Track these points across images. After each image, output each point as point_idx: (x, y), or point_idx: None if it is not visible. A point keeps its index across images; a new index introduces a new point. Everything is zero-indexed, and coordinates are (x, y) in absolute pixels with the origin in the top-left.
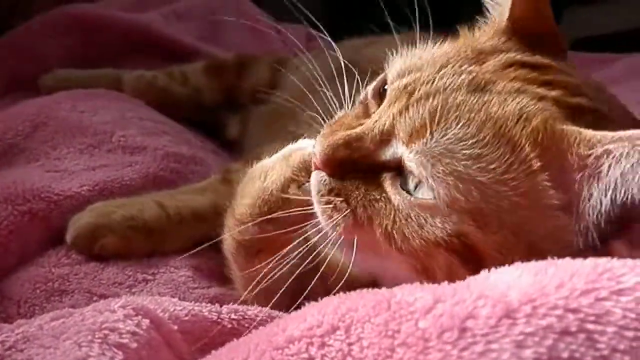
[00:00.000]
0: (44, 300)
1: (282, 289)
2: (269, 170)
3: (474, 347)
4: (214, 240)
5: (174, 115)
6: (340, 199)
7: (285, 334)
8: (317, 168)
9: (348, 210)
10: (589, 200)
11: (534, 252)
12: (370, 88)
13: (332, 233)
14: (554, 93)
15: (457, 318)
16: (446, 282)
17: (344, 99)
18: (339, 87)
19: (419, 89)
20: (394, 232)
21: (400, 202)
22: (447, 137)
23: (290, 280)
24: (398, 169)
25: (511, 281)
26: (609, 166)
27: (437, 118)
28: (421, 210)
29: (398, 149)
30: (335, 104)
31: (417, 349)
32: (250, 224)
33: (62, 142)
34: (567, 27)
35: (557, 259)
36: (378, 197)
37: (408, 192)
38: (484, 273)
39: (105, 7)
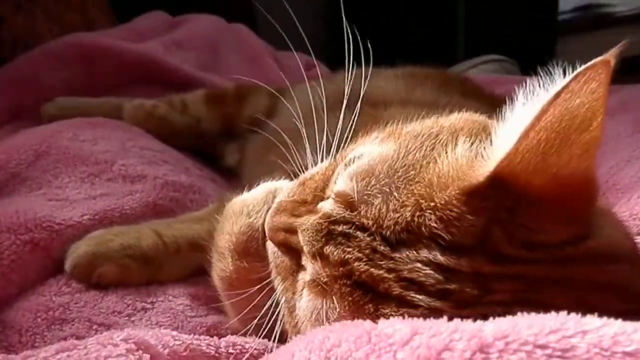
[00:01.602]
0: (45, 329)
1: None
2: (251, 206)
3: None
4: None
5: (174, 144)
6: (276, 270)
7: None
8: None
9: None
10: None
11: None
12: (335, 167)
13: None
14: (438, 304)
15: (433, 350)
16: None
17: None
18: (337, 117)
19: (332, 242)
20: (289, 319)
21: (295, 306)
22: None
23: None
24: None
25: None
26: None
27: (323, 297)
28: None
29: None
30: (335, 133)
31: None
32: (231, 259)
33: (64, 171)
34: (561, 58)
35: None
36: (292, 283)
37: None
38: None
39: (105, 36)
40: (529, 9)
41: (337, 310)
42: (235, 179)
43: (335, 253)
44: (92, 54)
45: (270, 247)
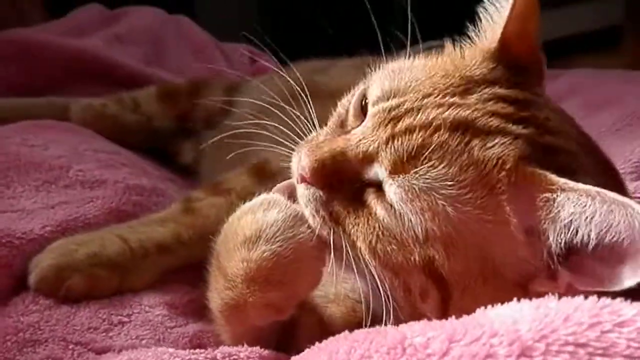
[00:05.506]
0: (17, 353)
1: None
2: (268, 230)
3: None
4: None
5: (125, 143)
6: (330, 217)
7: None
8: (304, 181)
9: (334, 228)
10: (548, 238)
11: (493, 279)
12: (349, 104)
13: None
14: (527, 131)
15: (477, 358)
16: (453, 318)
17: (308, 120)
18: (296, 109)
19: (404, 119)
20: (378, 247)
21: (385, 216)
22: (429, 175)
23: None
24: (381, 185)
25: (515, 314)
26: (569, 213)
27: (421, 155)
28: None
29: (380, 174)
30: (296, 125)
31: None
32: (247, 289)
33: (16, 180)
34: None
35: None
36: (362, 212)
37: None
38: (480, 310)
39: (43, 32)
40: None
41: (440, 165)
42: (193, 176)
43: (415, 119)
44: (30, 50)
45: (312, 193)
